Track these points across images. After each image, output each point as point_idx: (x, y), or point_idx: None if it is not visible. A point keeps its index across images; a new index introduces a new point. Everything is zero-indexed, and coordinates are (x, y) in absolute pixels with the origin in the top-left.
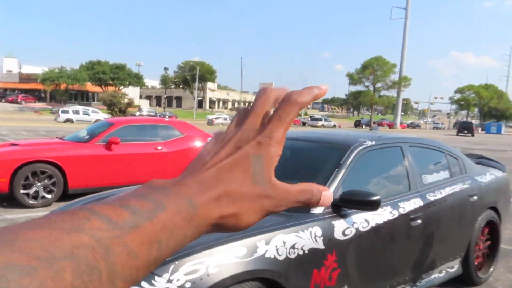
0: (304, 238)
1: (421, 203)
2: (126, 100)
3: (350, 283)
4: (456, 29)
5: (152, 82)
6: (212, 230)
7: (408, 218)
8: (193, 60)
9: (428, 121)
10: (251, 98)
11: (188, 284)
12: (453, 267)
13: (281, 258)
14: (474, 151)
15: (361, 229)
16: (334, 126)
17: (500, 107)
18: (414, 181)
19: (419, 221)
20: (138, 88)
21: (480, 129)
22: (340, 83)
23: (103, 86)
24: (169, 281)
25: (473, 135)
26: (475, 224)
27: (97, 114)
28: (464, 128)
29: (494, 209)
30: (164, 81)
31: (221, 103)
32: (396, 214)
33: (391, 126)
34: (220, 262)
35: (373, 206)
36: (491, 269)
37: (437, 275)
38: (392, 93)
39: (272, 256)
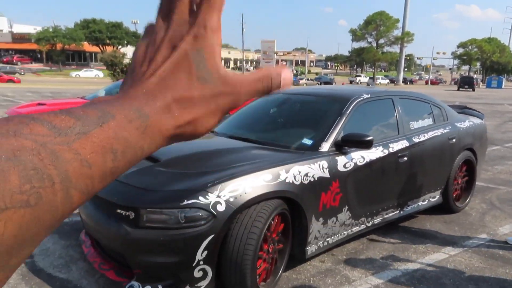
0: (314, 169)
1: (407, 144)
2: (127, 61)
3: (349, 204)
4: None
5: None
6: (170, 142)
7: (396, 156)
8: None
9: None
10: (253, 56)
11: (232, 199)
12: (435, 197)
13: (297, 183)
14: (473, 105)
15: (358, 163)
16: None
17: (502, 61)
18: (402, 127)
19: (406, 158)
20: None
21: (481, 83)
22: (343, 40)
23: (101, 46)
24: (218, 196)
25: (473, 90)
26: (454, 162)
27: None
28: (465, 83)
29: (471, 150)
30: None
31: (222, 62)
32: (386, 152)
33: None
34: (253, 184)
35: (367, 145)
36: (467, 200)
37: (421, 203)
38: (395, 49)
39: (291, 181)
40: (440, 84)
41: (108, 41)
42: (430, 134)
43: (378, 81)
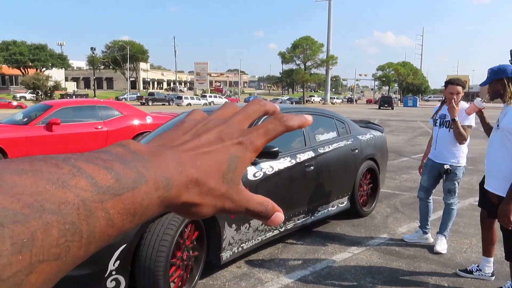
0: None
1: (313, 154)
2: (51, 83)
3: None
4: (377, 11)
5: (78, 63)
6: (172, 211)
7: (304, 165)
8: (122, 39)
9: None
10: (186, 77)
11: None
12: (343, 203)
13: None
14: (391, 122)
15: (268, 173)
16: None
17: (415, 83)
18: (309, 139)
19: (312, 167)
20: (63, 69)
21: (399, 102)
22: (274, 62)
23: (22, 69)
24: None
25: (392, 108)
26: (358, 170)
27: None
28: (385, 102)
29: (373, 159)
30: (92, 61)
31: (155, 83)
32: (294, 162)
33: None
34: None
35: (273, 155)
36: (373, 205)
37: (331, 208)
38: (322, 70)
39: None
40: (360, 103)
41: (30, 64)
42: (334, 146)
43: (334, 100)
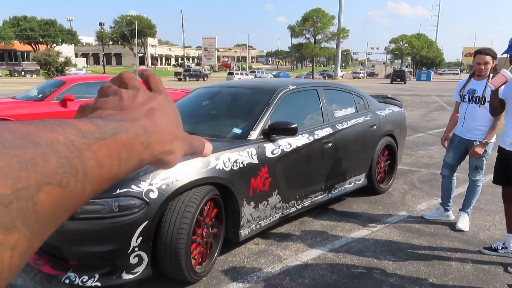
0: (243, 155)
1: (331, 131)
2: (62, 59)
3: (279, 188)
4: None
5: (87, 39)
6: (153, 163)
7: (322, 142)
8: (129, 14)
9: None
10: (194, 53)
11: (164, 186)
12: (360, 180)
13: (227, 169)
14: (403, 96)
15: (286, 150)
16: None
17: (430, 56)
18: (327, 115)
19: (330, 144)
20: (73, 45)
21: (412, 76)
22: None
23: (33, 44)
24: (151, 184)
25: (405, 83)
26: (376, 147)
27: None
28: (397, 76)
29: (392, 135)
30: (101, 37)
31: (163, 59)
32: (312, 139)
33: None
34: (185, 172)
35: (292, 132)
36: (390, 182)
37: (348, 186)
38: (332, 44)
39: (221, 168)
40: (374, 77)
41: (41, 40)
42: (352, 122)
43: (342, 73)
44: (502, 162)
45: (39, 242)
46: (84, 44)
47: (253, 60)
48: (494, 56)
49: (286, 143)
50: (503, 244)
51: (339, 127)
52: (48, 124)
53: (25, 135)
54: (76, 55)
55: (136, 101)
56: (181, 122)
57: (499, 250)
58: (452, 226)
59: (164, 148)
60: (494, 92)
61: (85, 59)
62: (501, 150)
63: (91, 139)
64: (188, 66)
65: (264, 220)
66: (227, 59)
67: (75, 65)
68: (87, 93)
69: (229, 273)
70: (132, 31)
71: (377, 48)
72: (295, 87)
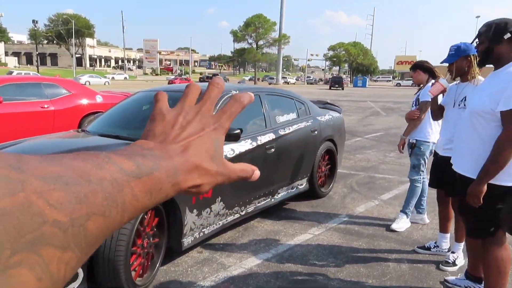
0: None
1: (274, 136)
2: None
3: (222, 195)
4: None
5: (19, 36)
6: (180, 194)
7: (264, 147)
8: (66, 12)
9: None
10: (135, 55)
11: None
12: (302, 184)
13: None
14: (342, 102)
15: (229, 156)
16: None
17: (365, 63)
18: (269, 121)
19: (273, 149)
20: (2, 43)
21: (349, 82)
22: (226, 40)
23: None
24: None
25: (343, 89)
26: (317, 151)
27: None
28: (336, 82)
29: (332, 140)
30: (34, 35)
31: (103, 60)
32: (255, 144)
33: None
34: None
35: (235, 137)
36: (331, 186)
37: (290, 190)
38: (274, 50)
39: None
40: (313, 84)
41: None
42: (294, 127)
43: (288, 79)
44: (436, 166)
45: (85, 259)
46: (16, 42)
47: (196, 64)
48: (417, 67)
49: (229, 149)
50: (435, 243)
51: (282, 132)
52: (100, 160)
53: (82, 174)
54: (6, 54)
55: (180, 136)
56: (221, 154)
57: (431, 249)
58: (388, 227)
59: (189, 184)
60: (433, 99)
61: (16, 58)
62: (435, 154)
63: (130, 176)
64: (129, 68)
65: (208, 228)
66: (169, 62)
67: (5, 64)
68: (18, 95)
69: (172, 284)
70: (68, 30)
71: (317, 55)
72: (237, 92)
